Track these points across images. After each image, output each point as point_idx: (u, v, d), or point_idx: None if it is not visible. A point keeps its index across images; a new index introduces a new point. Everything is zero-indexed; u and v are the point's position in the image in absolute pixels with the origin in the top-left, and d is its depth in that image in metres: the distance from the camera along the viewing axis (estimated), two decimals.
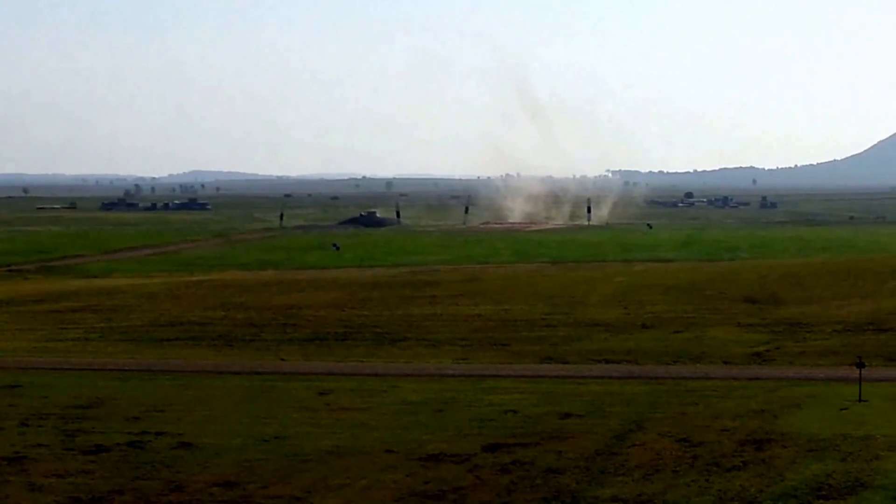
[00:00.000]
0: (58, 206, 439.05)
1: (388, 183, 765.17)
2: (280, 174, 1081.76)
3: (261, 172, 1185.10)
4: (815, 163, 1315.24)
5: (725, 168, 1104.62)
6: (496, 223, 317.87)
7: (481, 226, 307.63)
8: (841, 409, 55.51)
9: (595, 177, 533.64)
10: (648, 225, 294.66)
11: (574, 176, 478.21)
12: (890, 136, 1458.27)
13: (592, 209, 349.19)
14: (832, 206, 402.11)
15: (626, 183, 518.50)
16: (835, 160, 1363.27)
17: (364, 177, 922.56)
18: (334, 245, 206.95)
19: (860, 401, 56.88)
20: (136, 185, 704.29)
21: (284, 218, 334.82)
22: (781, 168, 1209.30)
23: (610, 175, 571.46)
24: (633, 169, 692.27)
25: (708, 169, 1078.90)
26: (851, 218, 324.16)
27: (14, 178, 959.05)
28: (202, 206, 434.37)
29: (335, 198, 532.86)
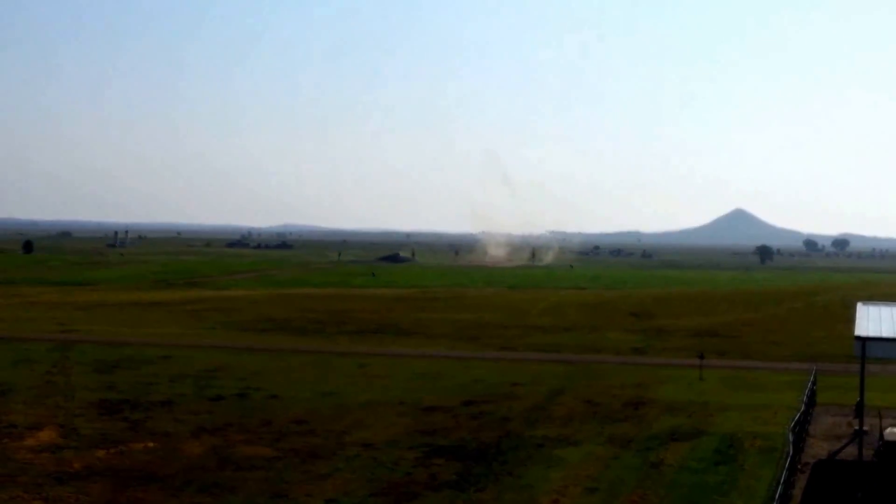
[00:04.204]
0: (199, 244, 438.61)
1: (408, 234, 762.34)
2: (340, 227, 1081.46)
3: (328, 225, 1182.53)
4: (677, 229, 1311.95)
5: (620, 230, 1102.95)
6: (475, 262, 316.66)
7: (466, 264, 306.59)
8: (688, 384, 55.59)
9: (539, 234, 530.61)
10: (571, 266, 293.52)
11: (529, 233, 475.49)
12: (726, 213, 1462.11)
13: (537, 255, 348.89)
14: (687, 258, 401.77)
15: (563, 238, 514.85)
16: (689, 228, 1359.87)
17: (393, 231, 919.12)
18: (372, 273, 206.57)
19: (700, 380, 57.04)
20: (249, 232, 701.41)
21: (342, 255, 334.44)
22: (655, 232, 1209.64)
23: (548, 234, 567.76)
24: (563, 229, 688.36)
25: (609, 231, 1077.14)
26: (699, 265, 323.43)
27: (171, 226, 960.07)
28: (290, 247, 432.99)
29: (373, 244, 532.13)
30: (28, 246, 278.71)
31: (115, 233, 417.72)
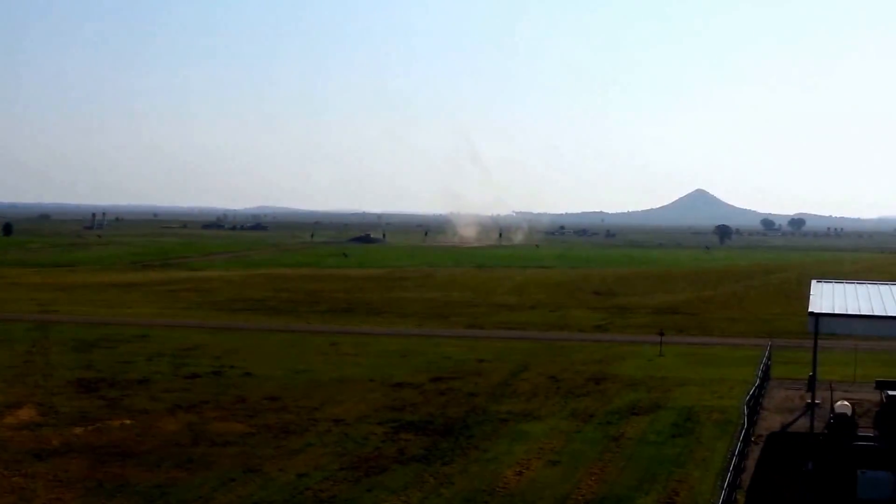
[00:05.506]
0: (175, 226, 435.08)
1: (379, 216, 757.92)
2: (313, 209, 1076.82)
3: (302, 207, 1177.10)
4: (640, 209, 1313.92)
5: (584, 211, 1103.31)
6: (444, 242, 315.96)
7: (435, 244, 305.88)
8: (648, 360, 56.10)
9: (507, 215, 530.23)
10: (537, 245, 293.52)
11: (497, 214, 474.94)
12: (688, 194, 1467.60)
13: (505, 235, 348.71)
14: (649, 237, 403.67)
15: (530, 219, 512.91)
16: (652, 208, 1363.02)
17: (364, 212, 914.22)
18: (344, 254, 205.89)
19: (660, 356, 57.53)
20: (225, 214, 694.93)
21: (314, 236, 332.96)
22: (619, 212, 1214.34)
23: (514, 214, 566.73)
24: (530, 210, 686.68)
25: (574, 211, 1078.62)
26: (660, 245, 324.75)
27: (148, 208, 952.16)
28: (264, 228, 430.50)
29: (346, 225, 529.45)
30: (7, 228, 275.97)
31: (93, 215, 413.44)
